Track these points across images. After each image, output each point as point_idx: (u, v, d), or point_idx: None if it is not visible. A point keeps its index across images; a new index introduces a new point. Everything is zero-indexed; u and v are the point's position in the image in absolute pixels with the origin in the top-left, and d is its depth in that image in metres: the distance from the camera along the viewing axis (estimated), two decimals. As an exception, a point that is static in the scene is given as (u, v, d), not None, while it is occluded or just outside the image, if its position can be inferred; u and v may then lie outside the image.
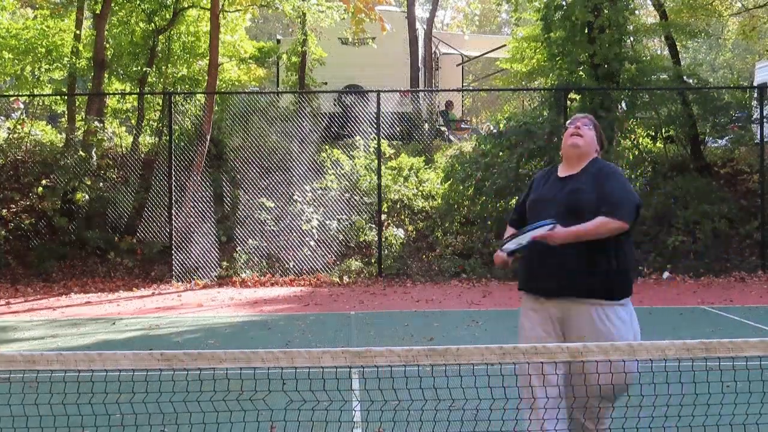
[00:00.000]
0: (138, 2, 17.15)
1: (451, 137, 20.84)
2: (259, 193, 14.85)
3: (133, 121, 18.08)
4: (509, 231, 4.40)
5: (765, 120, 14.45)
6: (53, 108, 19.18)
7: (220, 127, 16.27)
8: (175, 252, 13.92)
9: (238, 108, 16.65)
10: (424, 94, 20.27)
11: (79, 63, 16.95)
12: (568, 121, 4.38)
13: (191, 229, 14.14)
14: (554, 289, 4.14)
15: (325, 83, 19.57)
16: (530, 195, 4.38)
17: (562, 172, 4.29)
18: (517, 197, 14.69)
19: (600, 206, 4.04)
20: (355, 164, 15.74)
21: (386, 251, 14.41)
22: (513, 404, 4.00)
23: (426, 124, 19.08)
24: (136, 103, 17.80)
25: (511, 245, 4.10)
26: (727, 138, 17.27)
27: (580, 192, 4.06)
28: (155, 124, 17.81)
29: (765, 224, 14.18)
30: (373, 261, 14.30)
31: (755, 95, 16.18)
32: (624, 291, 4.20)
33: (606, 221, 4.06)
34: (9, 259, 14.29)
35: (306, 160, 15.33)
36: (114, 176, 15.49)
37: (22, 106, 18.89)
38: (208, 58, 15.96)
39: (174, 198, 14.18)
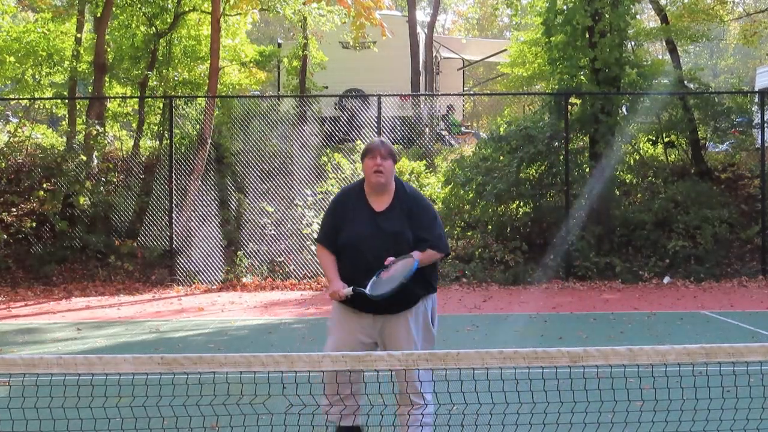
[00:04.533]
0: (139, 6, 17.17)
1: (452, 141, 20.85)
2: (260, 197, 14.85)
3: (134, 125, 18.09)
4: (321, 253, 4.65)
5: (766, 125, 14.44)
6: (54, 111, 19.19)
7: (220, 131, 16.28)
8: (175, 256, 13.92)
9: (238, 112, 16.66)
10: (425, 98, 20.28)
11: (80, 66, 16.97)
12: (368, 153, 4.52)
13: (192, 233, 14.14)
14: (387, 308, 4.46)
15: (326, 87, 19.59)
16: (344, 226, 4.51)
17: (374, 203, 4.49)
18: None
19: (421, 238, 4.48)
20: (356, 168, 15.74)
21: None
22: (513, 409, 4.00)
23: (427, 129, 19.08)
24: (137, 107, 17.81)
25: (379, 291, 4.31)
26: (728, 143, 17.29)
27: (401, 235, 4.42)
28: (156, 127, 17.82)
29: (766, 229, 14.17)
30: (374, 265, 14.27)
31: (756, 100, 16.19)
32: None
33: (434, 254, 4.56)
34: (9, 262, 14.29)
35: (307, 164, 15.34)
36: (115, 180, 15.50)
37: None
38: (208, 61, 15.97)
39: (174, 202, 14.18)
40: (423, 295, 4.54)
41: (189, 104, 16.62)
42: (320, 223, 4.65)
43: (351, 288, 4.35)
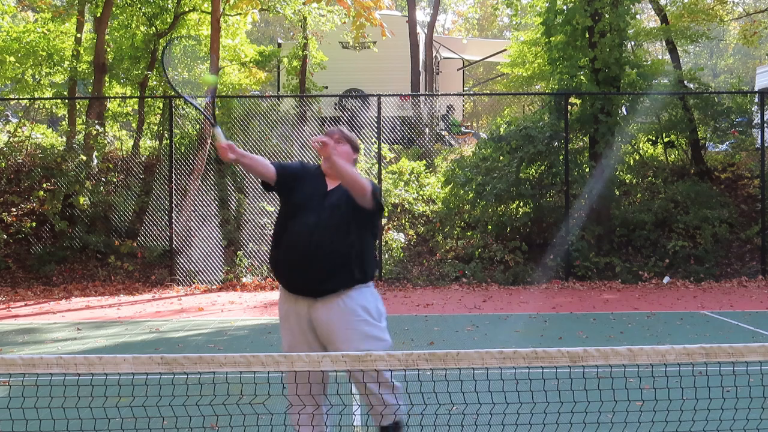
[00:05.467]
0: (139, 6, 17.18)
1: (452, 141, 20.86)
2: (259, 197, 14.85)
3: (134, 125, 18.10)
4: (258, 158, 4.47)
5: (766, 125, 14.45)
6: (54, 111, 19.18)
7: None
8: (175, 256, 13.93)
9: (238, 112, 16.67)
10: (425, 98, 20.28)
11: (80, 66, 16.98)
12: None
13: (192, 233, 14.14)
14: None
15: (326, 87, 19.61)
16: (300, 186, 4.43)
17: (329, 181, 4.48)
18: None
19: (355, 211, 4.32)
20: (356, 168, 15.73)
21: (387, 255, 14.41)
22: (513, 408, 4.00)
23: (427, 129, 19.10)
24: (136, 107, 17.82)
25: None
26: (727, 143, 17.30)
27: (339, 208, 4.32)
28: (156, 127, 17.83)
29: (765, 229, 14.17)
30: (373, 265, 14.28)
31: (756, 100, 16.19)
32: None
33: (362, 182, 4.29)
34: (9, 262, 14.30)
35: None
36: (115, 180, 15.50)
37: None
38: (209, 61, 15.97)
39: (174, 202, 14.19)
40: (352, 284, 4.27)
41: (189, 104, 16.61)
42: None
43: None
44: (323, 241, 4.21)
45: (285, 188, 4.44)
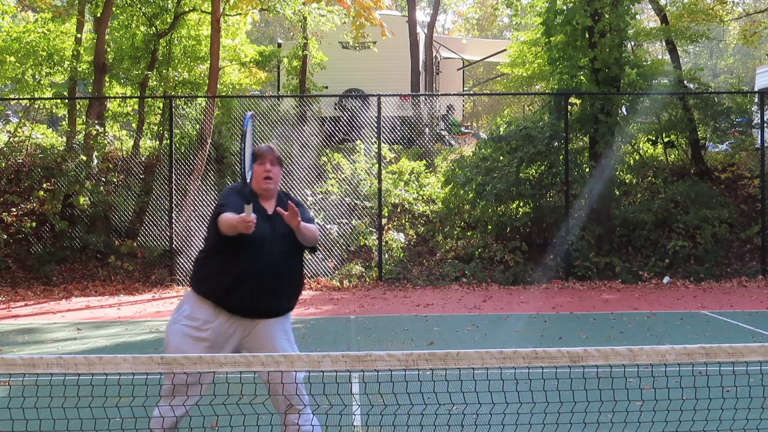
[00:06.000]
0: (139, 6, 17.19)
1: (452, 141, 20.86)
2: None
3: (134, 125, 18.11)
4: (227, 215, 4.28)
5: (766, 125, 14.45)
6: (54, 111, 19.18)
7: (220, 131, 16.28)
8: (175, 256, 13.93)
9: (238, 112, 16.67)
10: (425, 98, 20.29)
11: (80, 66, 16.98)
12: (257, 158, 4.46)
13: (192, 233, 14.14)
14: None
15: (326, 87, 19.61)
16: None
17: (265, 205, 4.48)
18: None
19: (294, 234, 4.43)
20: (356, 168, 15.75)
21: (387, 255, 14.42)
22: (513, 408, 4.00)
23: (427, 129, 19.10)
24: (137, 107, 17.82)
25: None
26: (727, 143, 17.31)
27: (293, 235, 4.39)
28: (156, 128, 17.82)
29: (765, 229, 14.18)
30: (373, 265, 14.31)
31: (756, 100, 16.19)
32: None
33: (316, 237, 4.51)
34: (9, 262, 14.30)
35: (307, 164, 15.34)
36: (115, 180, 15.50)
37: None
38: (208, 61, 15.98)
39: (174, 202, 14.19)
40: (291, 308, 4.51)
41: (189, 104, 16.63)
42: (217, 204, 4.38)
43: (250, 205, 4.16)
44: (288, 265, 4.38)
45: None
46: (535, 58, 20.40)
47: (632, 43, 17.46)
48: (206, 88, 15.99)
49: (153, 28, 17.36)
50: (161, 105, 17.37)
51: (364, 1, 15.27)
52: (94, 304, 12.06)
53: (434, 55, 24.53)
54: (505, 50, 24.07)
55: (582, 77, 14.71)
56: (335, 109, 18.86)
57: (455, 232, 15.12)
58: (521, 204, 14.92)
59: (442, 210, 15.57)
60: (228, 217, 4.22)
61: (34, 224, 14.69)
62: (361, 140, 15.97)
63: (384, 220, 14.89)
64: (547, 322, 9.99)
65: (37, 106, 18.97)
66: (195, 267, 4.54)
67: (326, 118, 18.01)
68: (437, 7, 29.50)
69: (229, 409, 4.27)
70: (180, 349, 4.24)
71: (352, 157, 15.96)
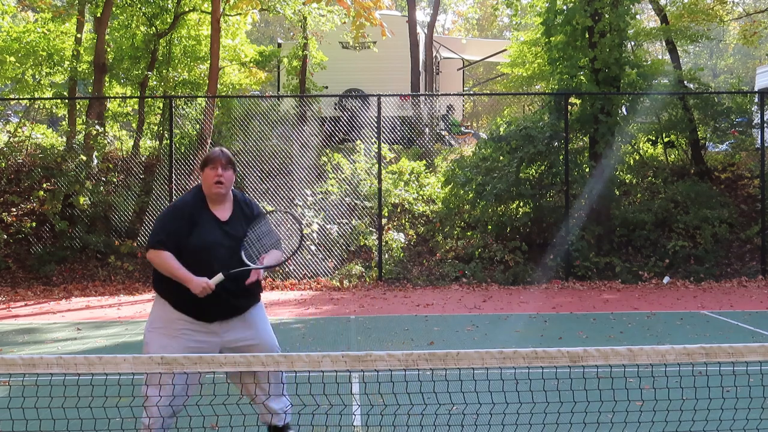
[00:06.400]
0: (139, 6, 17.18)
1: (452, 141, 20.86)
2: (260, 197, 14.85)
3: (134, 125, 18.10)
4: (165, 255, 4.35)
5: (766, 125, 14.45)
6: (54, 111, 19.18)
7: (220, 131, 16.28)
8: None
9: (238, 112, 16.67)
10: (425, 98, 20.29)
11: (80, 66, 16.98)
12: (209, 163, 4.49)
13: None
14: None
15: (326, 87, 19.61)
16: (192, 231, 4.41)
17: (217, 212, 4.50)
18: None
19: (265, 243, 4.61)
20: (356, 168, 15.75)
21: (387, 255, 14.42)
22: (513, 408, 4.00)
23: (427, 129, 19.10)
24: (137, 107, 17.82)
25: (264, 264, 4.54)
26: (727, 143, 17.30)
27: (246, 243, 4.49)
28: (156, 127, 17.82)
29: (765, 229, 14.17)
30: (373, 265, 14.31)
31: (756, 100, 16.19)
32: None
33: (281, 255, 4.72)
34: (9, 262, 14.30)
35: (307, 164, 15.34)
36: (115, 180, 15.50)
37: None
38: (208, 61, 15.98)
39: (175, 202, 14.18)
40: (255, 303, 4.64)
41: (189, 104, 16.63)
42: (155, 228, 4.42)
43: (219, 274, 4.29)
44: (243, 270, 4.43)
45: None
46: (535, 58, 20.40)
47: (632, 43, 17.45)
48: (206, 88, 15.99)
49: (153, 28, 17.36)
50: (161, 105, 17.37)
51: (364, 1, 15.26)
52: (94, 304, 12.06)
53: (434, 55, 24.53)
54: (505, 50, 24.07)
55: (582, 77, 14.71)
56: (335, 109, 18.85)
57: (455, 232, 15.12)
58: (521, 204, 14.92)
59: (442, 210, 15.57)
60: (174, 266, 4.28)
61: (34, 224, 14.69)
62: (361, 140, 15.97)
63: (384, 220, 14.89)
64: (547, 322, 9.99)
65: (37, 106, 18.96)
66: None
67: (326, 118, 18.01)
68: (437, 7, 29.49)
69: (229, 409, 4.27)
70: (164, 347, 4.26)
71: (352, 157, 15.96)
